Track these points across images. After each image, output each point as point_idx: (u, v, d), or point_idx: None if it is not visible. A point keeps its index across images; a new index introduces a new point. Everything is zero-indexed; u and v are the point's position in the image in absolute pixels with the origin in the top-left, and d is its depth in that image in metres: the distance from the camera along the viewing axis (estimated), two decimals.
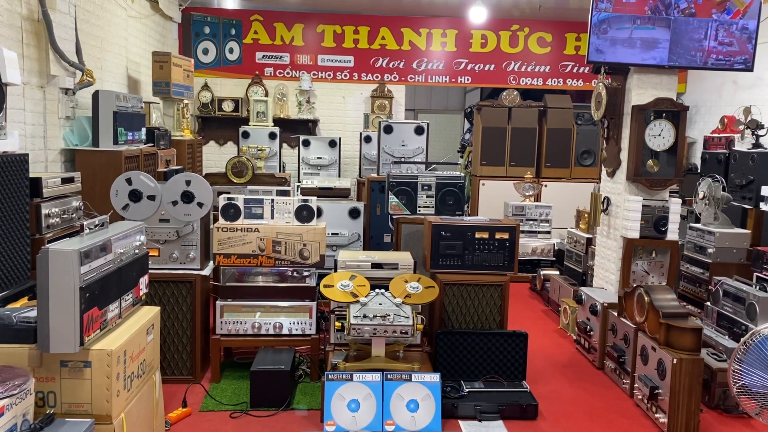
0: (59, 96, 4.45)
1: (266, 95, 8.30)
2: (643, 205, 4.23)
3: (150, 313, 2.69)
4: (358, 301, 3.32)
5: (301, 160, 7.53)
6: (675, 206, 4.24)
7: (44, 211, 3.40)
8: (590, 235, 5.18)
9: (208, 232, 3.82)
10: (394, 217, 4.55)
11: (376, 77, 8.63)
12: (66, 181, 3.71)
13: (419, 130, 6.50)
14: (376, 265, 3.67)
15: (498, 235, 3.79)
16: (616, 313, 3.95)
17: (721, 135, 6.41)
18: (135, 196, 3.55)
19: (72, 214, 3.71)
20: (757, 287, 3.92)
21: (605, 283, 4.60)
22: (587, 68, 8.50)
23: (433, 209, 4.51)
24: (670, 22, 4.20)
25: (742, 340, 2.69)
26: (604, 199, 4.63)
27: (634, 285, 3.80)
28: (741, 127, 5.86)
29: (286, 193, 4.11)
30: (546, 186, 7.39)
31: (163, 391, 2.91)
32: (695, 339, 3.23)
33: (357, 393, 3.11)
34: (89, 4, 5.09)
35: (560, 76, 8.79)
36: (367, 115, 8.43)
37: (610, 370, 3.99)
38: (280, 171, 7.28)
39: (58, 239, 3.38)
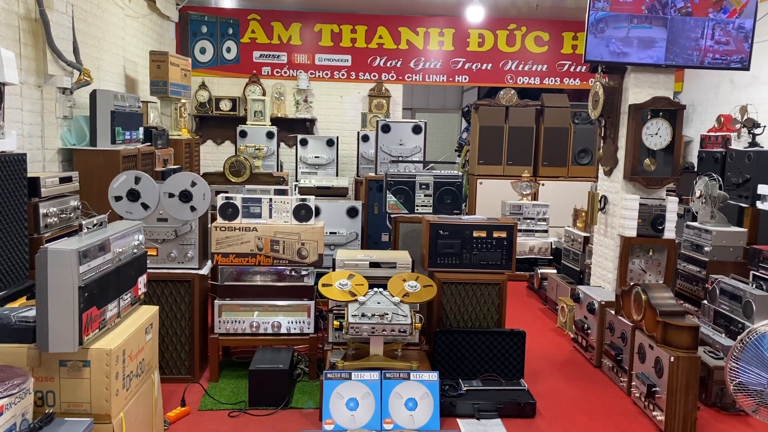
0: (57, 95, 4.45)
1: (264, 94, 8.30)
2: (640, 204, 4.25)
3: (149, 312, 2.69)
4: (356, 300, 3.32)
5: (298, 160, 7.53)
6: (672, 205, 4.26)
7: (42, 211, 3.40)
8: (587, 234, 5.19)
9: (206, 231, 3.82)
10: (392, 216, 4.56)
11: (374, 76, 8.63)
12: (64, 180, 3.70)
13: (417, 129, 6.50)
14: (374, 264, 3.68)
15: (496, 234, 3.79)
16: (613, 312, 3.96)
17: (718, 134, 6.43)
18: (133, 195, 3.55)
19: (70, 214, 3.71)
20: (754, 285, 3.93)
21: (602, 282, 4.62)
22: (584, 67, 8.51)
23: (431, 208, 4.52)
24: (667, 21, 4.22)
25: (739, 337, 2.70)
26: (601, 197, 4.64)
27: (632, 283, 3.81)
28: (737, 126, 5.89)
29: (284, 193, 4.10)
30: (543, 185, 7.40)
31: (162, 390, 2.91)
32: (692, 337, 3.24)
33: (355, 392, 3.11)
34: (86, 4, 5.08)
35: (557, 75, 8.81)
36: (365, 114, 8.43)
37: (608, 369, 4.00)
38: (277, 170, 7.27)
39: (57, 239, 3.40)
